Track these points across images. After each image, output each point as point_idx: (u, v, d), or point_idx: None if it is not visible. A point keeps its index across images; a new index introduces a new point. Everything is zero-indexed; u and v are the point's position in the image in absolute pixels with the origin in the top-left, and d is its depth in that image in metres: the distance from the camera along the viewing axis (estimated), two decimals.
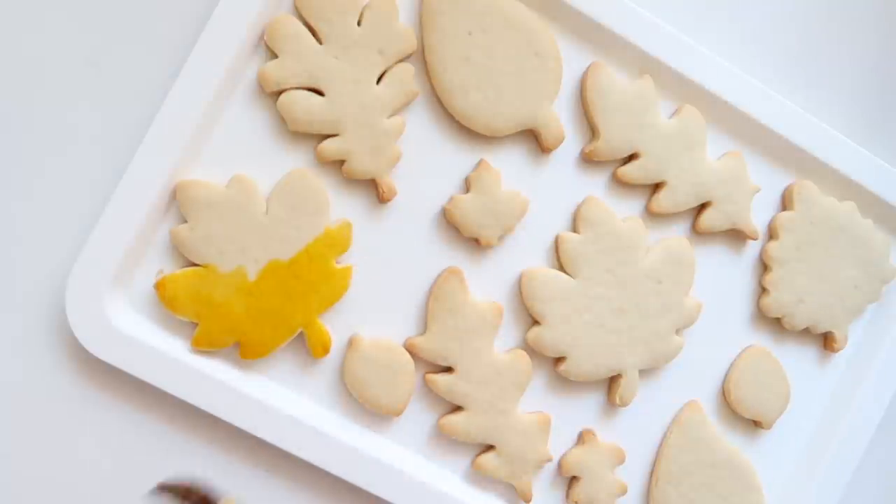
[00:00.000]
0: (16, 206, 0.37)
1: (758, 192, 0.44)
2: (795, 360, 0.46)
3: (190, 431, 0.38)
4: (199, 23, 0.36)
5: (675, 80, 0.42)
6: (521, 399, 0.41)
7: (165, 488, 0.37)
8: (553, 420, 0.42)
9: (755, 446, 0.46)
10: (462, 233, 0.40)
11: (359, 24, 0.38)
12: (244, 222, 0.37)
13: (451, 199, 0.40)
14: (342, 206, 0.39)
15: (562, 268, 0.41)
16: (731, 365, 0.45)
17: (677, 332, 0.43)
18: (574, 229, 0.42)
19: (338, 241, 0.38)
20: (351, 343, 0.39)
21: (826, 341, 0.46)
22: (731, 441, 0.45)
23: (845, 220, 0.45)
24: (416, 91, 0.39)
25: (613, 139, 0.41)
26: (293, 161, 0.38)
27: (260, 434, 0.37)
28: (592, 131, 0.42)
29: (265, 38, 0.37)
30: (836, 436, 0.46)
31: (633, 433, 0.43)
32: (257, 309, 0.37)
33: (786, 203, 0.45)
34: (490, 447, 0.41)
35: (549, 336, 0.40)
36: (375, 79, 0.38)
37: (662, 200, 0.42)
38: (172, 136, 0.36)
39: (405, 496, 0.39)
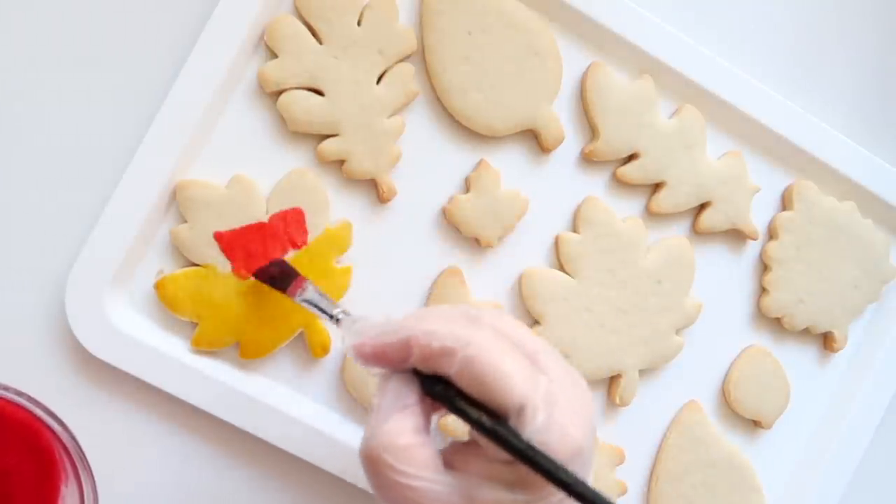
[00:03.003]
0: (16, 206, 0.37)
1: (758, 192, 0.44)
2: (795, 360, 0.46)
3: (190, 432, 0.38)
4: (199, 23, 0.36)
5: (675, 80, 0.42)
6: None
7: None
8: None
9: (755, 446, 0.46)
10: (462, 233, 0.40)
11: (359, 24, 0.38)
12: (244, 222, 0.37)
13: (451, 199, 0.40)
14: (342, 206, 0.39)
15: (562, 268, 0.41)
16: (731, 365, 0.45)
17: (677, 332, 0.43)
18: (574, 229, 0.42)
19: (338, 241, 0.38)
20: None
21: (826, 341, 0.46)
22: (731, 441, 0.45)
23: (845, 220, 0.45)
24: (416, 91, 0.39)
25: (613, 139, 0.41)
26: (293, 161, 0.38)
27: (260, 434, 0.37)
28: (592, 131, 0.42)
29: (265, 38, 0.37)
30: (836, 436, 0.46)
31: (633, 433, 0.43)
32: (257, 309, 0.37)
33: (786, 203, 0.45)
34: None
35: (549, 336, 0.40)
36: (375, 79, 0.38)
37: (662, 200, 0.42)
38: (172, 136, 0.36)
39: None
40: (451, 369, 0.27)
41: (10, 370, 0.36)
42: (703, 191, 0.43)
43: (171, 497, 0.38)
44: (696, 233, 0.44)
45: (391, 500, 0.28)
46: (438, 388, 0.28)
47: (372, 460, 0.28)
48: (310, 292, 0.35)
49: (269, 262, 0.37)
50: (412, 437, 0.28)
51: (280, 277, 0.36)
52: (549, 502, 0.27)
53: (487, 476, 0.28)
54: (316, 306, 0.34)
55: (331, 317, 0.33)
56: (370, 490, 0.29)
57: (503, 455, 0.27)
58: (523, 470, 0.27)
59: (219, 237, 0.37)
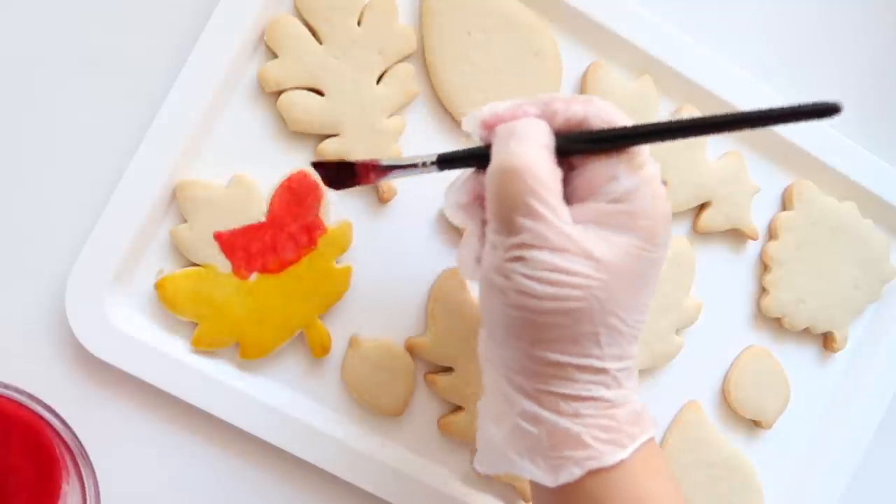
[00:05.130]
0: (16, 206, 0.37)
1: (758, 192, 0.44)
2: (795, 360, 0.46)
3: (190, 431, 0.38)
4: (199, 23, 0.36)
5: (675, 80, 0.42)
6: None
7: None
8: None
9: (755, 446, 0.46)
10: (462, 233, 0.40)
11: (359, 24, 0.38)
12: (244, 222, 0.37)
13: None
14: (342, 206, 0.39)
15: None
16: (731, 365, 0.45)
17: (677, 332, 0.43)
18: None
19: (338, 241, 0.38)
20: (351, 343, 0.39)
21: (826, 341, 0.46)
22: (731, 441, 0.45)
23: (845, 220, 0.45)
24: (416, 91, 0.39)
25: None
26: (293, 161, 0.38)
27: (260, 434, 0.37)
28: None
29: (265, 38, 0.37)
30: (836, 436, 0.46)
31: None
32: (257, 309, 0.37)
33: (786, 203, 0.45)
34: None
35: None
36: (375, 79, 0.38)
37: None
38: (172, 136, 0.36)
39: (405, 496, 0.39)
40: (588, 110, 0.29)
41: (11, 370, 0.36)
42: (703, 191, 0.43)
43: (171, 497, 0.38)
44: (696, 233, 0.44)
45: (512, 220, 0.28)
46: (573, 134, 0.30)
47: (512, 173, 0.28)
48: (392, 171, 0.33)
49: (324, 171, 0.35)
50: (554, 170, 0.28)
51: (343, 178, 0.34)
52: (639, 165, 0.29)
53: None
54: (408, 169, 0.32)
55: (423, 165, 0.32)
56: (491, 209, 0.29)
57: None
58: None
59: (219, 237, 0.37)
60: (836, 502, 0.46)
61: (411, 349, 0.39)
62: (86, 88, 0.37)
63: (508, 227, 0.28)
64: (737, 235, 0.44)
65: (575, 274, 0.27)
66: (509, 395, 0.29)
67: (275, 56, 0.37)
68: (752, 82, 0.42)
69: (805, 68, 0.46)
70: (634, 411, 0.29)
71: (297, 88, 0.37)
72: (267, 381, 0.39)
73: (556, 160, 0.29)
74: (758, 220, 0.44)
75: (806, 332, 0.46)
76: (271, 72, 0.37)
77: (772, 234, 0.45)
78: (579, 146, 0.29)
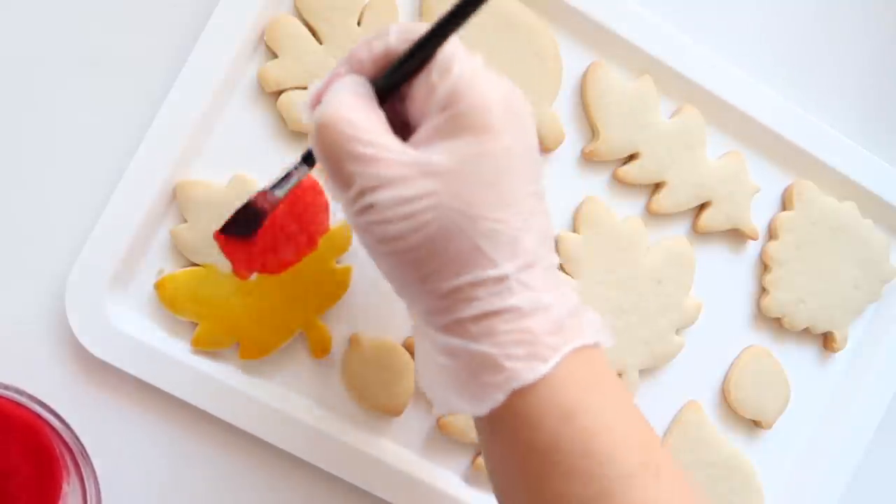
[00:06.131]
0: (16, 206, 0.37)
1: (758, 192, 0.44)
2: (795, 360, 0.46)
3: (190, 431, 0.38)
4: (199, 23, 0.36)
5: (675, 80, 0.42)
6: None
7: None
8: None
9: (755, 446, 0.46)
10: None
11: (359, 24, 0.38)
12: None
13: None
14: None
15: (562, 268, 0.41)
16: (731, 365, 0.45)
17: (677, 332, 0.43)
18: (574, 229, 0.42)
19: (338, 241, 0.38)
20: (351, 343, 0.39)
21: (826, 341, 0.46)
22: (731, 441, 0.45)
23: (845, 220, 0.45)
24: None
25: (613, 139, 0.41)
26: (293, 161, 0.38)
27: (260, 434, 0.37)
28: (592, 131, 0.42)
29: (265, 38, 0.37)
30: (836, 436, 0.46)
31: None
32: (257, 309, 0.37)
33: (786, 203, 0.45)
34: None
35: None
36: None
37: (662, 200, 0.42)
38: (172, 136, 0.36)
39: (405, 496, 0.39)
40: (388, 41, 0.28)
41: (11, 370, 0.36)
42: (703, 191, 0.43)
43: (171, 497, 0.38)
44: (696, 233, 0.44)
45: (343, 173, 0.27)
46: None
47: (325, 127, 0.27)
48: (276, 189, 0.33)
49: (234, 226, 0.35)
50: (370, 110, 0.28)
51: (251, 219, 0.35)
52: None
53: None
54: (286, 179, 0.33)
55: (295, 169, 0.33)
56: (324, 172, 0.28)
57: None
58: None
59: (218, 237, 0.37)
60: (836, 502, 0.46)
61: (411, 349, 0.39)
62: (86, 88, 0.37)
63: (342, 179, 0.27)
64: (737, 235, 0.44)
65: (420, 197, 0.26)
66: (429, 335, 0.28)
67: (275, 56, 0.37)
68: (752, 82, 0.43)
69: (805, 68, 0.46)
70: (553, 320, 0.27)
71: (297, 88, 0.37)
72: (267, 382, 0.39)
73: (377, 103, 0.28)
74: (758, 220, 0.44)
75: (806, 332, 0.46)
76: (271, 72, 0.37)
77: (772, 234, 0.45)
78: (393, 78, 0.28)
